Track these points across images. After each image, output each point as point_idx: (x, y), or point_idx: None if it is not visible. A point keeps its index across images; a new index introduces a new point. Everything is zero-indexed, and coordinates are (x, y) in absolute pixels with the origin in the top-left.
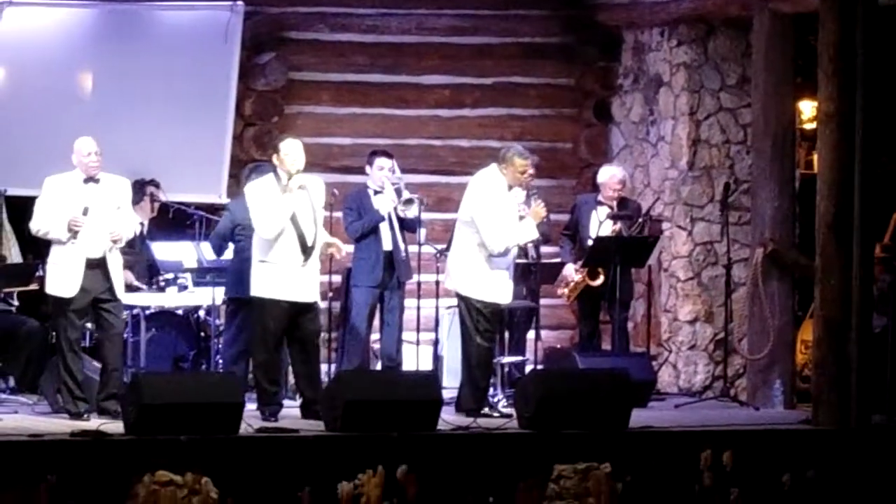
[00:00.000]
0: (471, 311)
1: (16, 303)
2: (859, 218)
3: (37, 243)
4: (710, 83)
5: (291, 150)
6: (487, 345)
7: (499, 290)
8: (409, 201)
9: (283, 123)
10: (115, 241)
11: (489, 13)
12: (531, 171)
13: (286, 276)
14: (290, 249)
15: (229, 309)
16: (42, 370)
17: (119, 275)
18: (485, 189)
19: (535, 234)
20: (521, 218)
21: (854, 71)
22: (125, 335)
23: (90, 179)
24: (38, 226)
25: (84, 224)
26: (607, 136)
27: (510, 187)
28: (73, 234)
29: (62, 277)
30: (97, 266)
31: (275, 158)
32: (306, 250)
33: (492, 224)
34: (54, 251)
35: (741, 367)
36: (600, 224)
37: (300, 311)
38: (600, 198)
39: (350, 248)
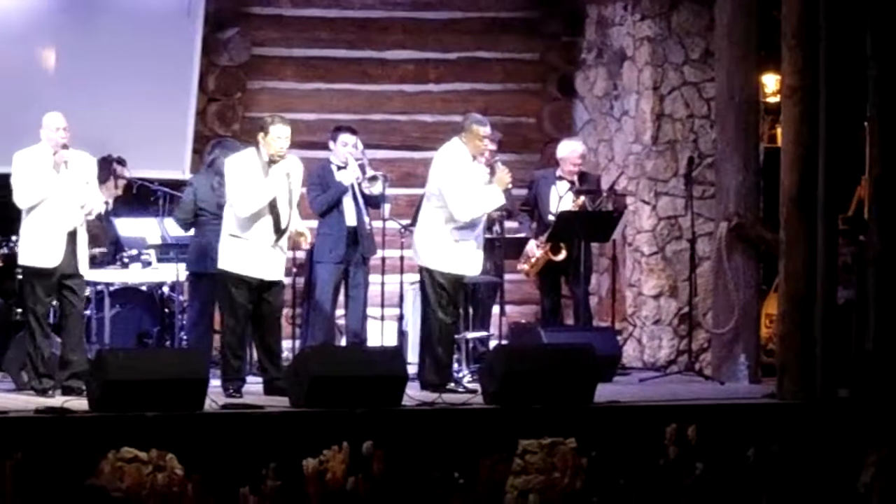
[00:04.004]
0: (433, 284)
1: None
2: (823, 192)
3: (3, 219)
4: (673, 57)
5: (281, 136)
6: (450, 319)
7: (465, 262)
8: (373, 178)
9: (247, 99)
10: (87, 215)
11: None
12: (490, 136)
13: (256, 253)
14: (263, 229)
15: (192, 284)
16: (6, 347)
17: (84, 251)
18: (449, 160)
19: (502, 201)
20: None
21: (817, 44)
22: (89, 312)
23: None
24: (27, 199)
25: (69, 158)
26: (571, 111)
27: (474, 157)
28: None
29: (42, 248)
30: (68, 240)
31: (260, 137)
32: (279, 231)
33: (458, 193)
34: (31, 223)
35: (706, 341)
36: (560, 199)
37: (264, 288)
38: (559, 172)
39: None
